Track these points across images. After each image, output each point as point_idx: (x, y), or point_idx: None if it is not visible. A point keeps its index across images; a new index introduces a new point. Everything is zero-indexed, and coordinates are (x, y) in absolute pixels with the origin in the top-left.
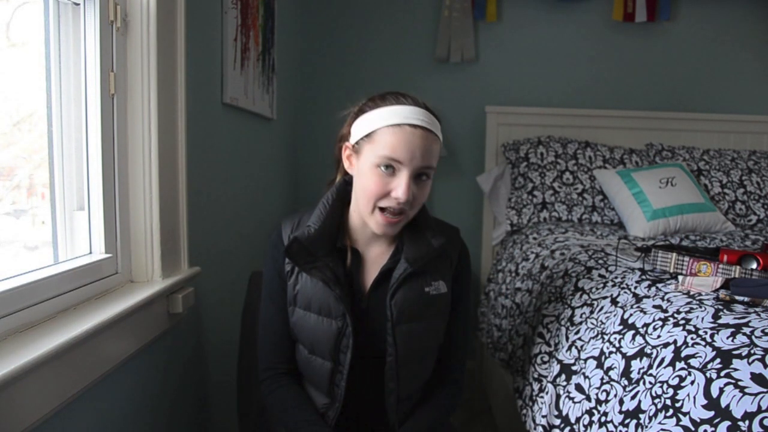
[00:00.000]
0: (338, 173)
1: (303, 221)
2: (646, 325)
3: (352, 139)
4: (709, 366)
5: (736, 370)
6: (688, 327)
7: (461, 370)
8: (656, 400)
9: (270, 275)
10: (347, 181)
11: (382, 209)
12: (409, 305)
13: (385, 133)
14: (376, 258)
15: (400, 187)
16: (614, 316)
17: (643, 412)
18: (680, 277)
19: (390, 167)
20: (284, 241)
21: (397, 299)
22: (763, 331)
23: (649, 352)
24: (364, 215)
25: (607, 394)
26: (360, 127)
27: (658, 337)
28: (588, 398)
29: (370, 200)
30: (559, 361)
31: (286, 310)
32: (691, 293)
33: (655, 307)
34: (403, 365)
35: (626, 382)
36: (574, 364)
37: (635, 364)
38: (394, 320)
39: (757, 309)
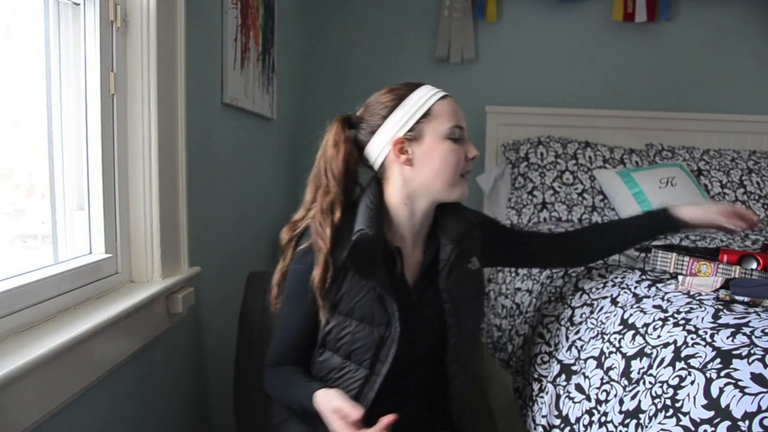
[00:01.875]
0: (339, 187)
1: (344, 225)
2: (646, 325)
3: (400, 132)
4: (709, 366)
5: (736, 370)
6: (688, 327)
7: None
8: (656, 400)
9: (298, 275)
10: (378, 181)
11: (462, 175)
12: (460, 284)
13: (441, 106)
14: (412, 252)
15: (472, 147)
16: (614, 316)
17: (643, 412)
18: (680, 277)
19: (459, 137)
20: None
21: (449, 281)
22: (763, 331)
23: (649, 352)
24: (444, 190)
25: (607, 394)
26: (404, 115)
27: (658, 337)
28: (588, 398)
29: (454, 171)
30: (559, 361)
31: (311, 309)
32: (691, 293)
33: (655, 307)
34: (464, 344)
35: (626, 382)
36: (574, 364)
37: (635, 364)
38: (454, 301)
39: (757, 309)
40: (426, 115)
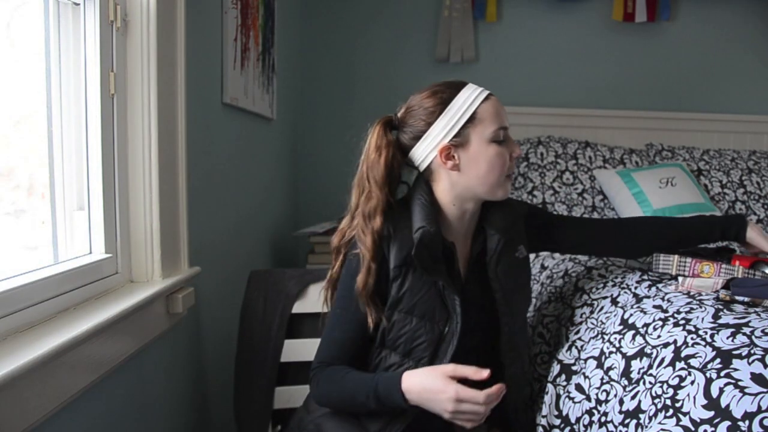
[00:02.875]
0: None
1: (397, 224)
2: (646, 325)
3: (446, 139)
4: (709, 366)
5: (736, 370)
6: (688, 327)
7: None
8: (656, 400)
9: (350, 284)
10: (426, 180)
11: (507, 176)
12: (508, 273)
13: (486, 109)
14: (462, 247)
15: (516, 146)
16: (614, 316)
17: (643, 412)
18: (680, 278)
19: (504, 138)
20: (382, 245)
21: (499, 270)
22: (763, 331)
23: (649, 352)
24: (491, 191)
25: (607, 394)
26: (449, 121)
27: (658, 337)
28: (588, 398)
29: (501, 173)
30: (559, 361)
31: (371, 317)
32: (691, 293)
33: (655, 307)
34: (517, 333)
35: (626, 382)
36: (574, 364)
37: (635, 364)
38: (504, 291)
39: (757, 309)
40: (471, 119)
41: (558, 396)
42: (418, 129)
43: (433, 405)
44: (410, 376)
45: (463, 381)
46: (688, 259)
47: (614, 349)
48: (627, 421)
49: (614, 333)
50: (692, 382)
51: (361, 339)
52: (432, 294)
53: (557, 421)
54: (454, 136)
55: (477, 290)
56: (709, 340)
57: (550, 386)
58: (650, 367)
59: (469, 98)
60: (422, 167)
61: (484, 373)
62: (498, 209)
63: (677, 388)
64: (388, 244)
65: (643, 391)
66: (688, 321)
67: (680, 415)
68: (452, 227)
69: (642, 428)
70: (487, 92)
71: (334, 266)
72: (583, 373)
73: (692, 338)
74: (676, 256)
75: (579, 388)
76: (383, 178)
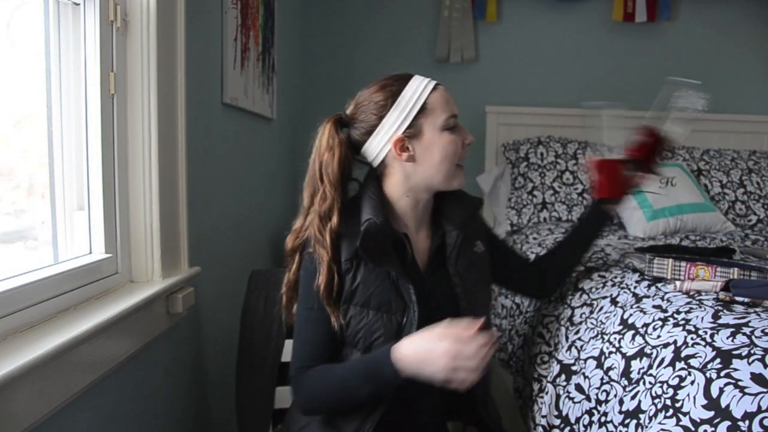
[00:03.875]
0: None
1: (349, 219)
2: (646, 325)
3: (399, 130)
4: (709, 366)
5: (736, 370)
6: (688, 327)
7: None
8: (656, 400)
9: (311, 285)
10: (376, 176)
11: (459, 165)
12: (468, 267)
13: (435, 99)
14: (422, 241)
15: (467, 133)
16: (614, 316)
17: (643, 412)
18: (678, 282)
19: (454, 126)
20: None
21: (459, 265)
22: (763, 331)
23: (649, 352)
24: (445, 180)
25: (607, 394)
26: (402, 113)
27: (658, 337)
28: (588, 398)
29: (452, 162)
30: (559, 362)
31: (337, 313)
32: (691, 293)
33: (654, 307)
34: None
35: (626, 382)
36: (574, 364)
37: (635, 364)
38: (464, 285)
39: (757, 309)
40: (422, 109)
41: (558, 396)
42: (370, 124)
43: (427, 368)
44: (400, 344)
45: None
46: (683, 263)
47: (614, 349)
48: (627, 421)
49: (614, 333)
50: (692, 382)
51: (333, 338)
52: (386, 285)
53: (557, 421)
54: (408, 128)
55: (438, 283)
56: (709, 340)
57: (549, 386)
58: (650, 367)
59: (418, 89)
60: (376, 162)
61: (477, 324)
62: (454, 204)
63: (677, 388)
64: (339, 239)
65: (643, 391)
66: (687, 321)
67: (680, 415)
68: (403, 219)
69: (642, 428)
70: (435, 82)
71: (291, 269)
72: (583, 373)
73: (692, 338)
74: (671, 260)
75: (579, 388)
76: (337, 178)
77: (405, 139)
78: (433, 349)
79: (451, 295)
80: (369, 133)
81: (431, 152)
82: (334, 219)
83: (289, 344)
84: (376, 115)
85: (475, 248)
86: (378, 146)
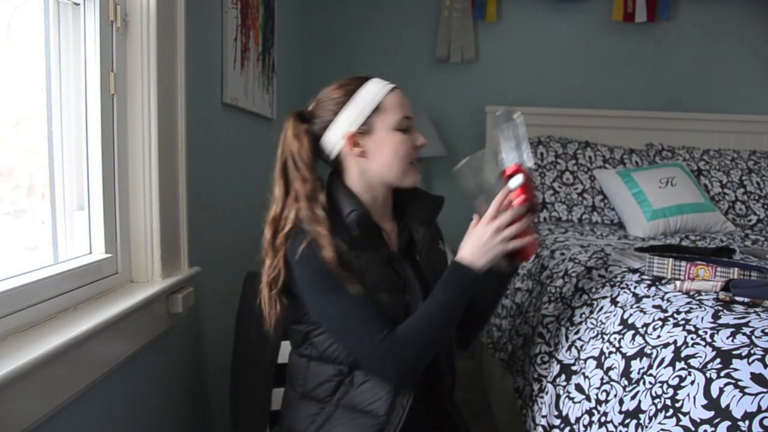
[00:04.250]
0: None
1: (332, 217)
2: (646, 325)
3: (352, 127)
4: (709, 366)
5: (736, 370)
6: (688, 327)
7: None
8: (656, 400)
9: (321, 269)
10: (336, 172)
11: (412, 162)
12: (435, 263)
13: (390, 99)
14: (390, 234)
15: (419, 135)
16: (614, 316)
17: (643, 412)
18: (678, 282)
19: (407, 127)
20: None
21: (428, 260)
22: (763, 331)
23: (649, 352)
24: (398, 178)
25: (607, 394)
26: (356, 110)
27: (658, 337)
28: (588, 398)
29: (404, 161)
30: (559, 362)
31: (359, 284)
32: (691, 293)
33: (654, 307)
34: None
35: (626, 382)
36: (574, 364)
37: (635, 364)
38: (435, 279)
39: (757, 309)
40: (377, 109)
41: (558, 396)
42: (327, 119)
43: (492, 251)
44: (460, 251)
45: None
46: (683, 263)
47: (614, 349)
48: (627, 421)
49: (614, 333)
50: (692, 382)
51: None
52: (384, 269)
53: (557, 421)
54: (361, 125)
55: (414, 271)
56: (709, 340)
57: (549, 386)
58: (650, 367)
59: (374, 89)
60: (332, 155)
61: (500, 198)
62: (416, 202)
63: (677, 388)
64: (329, 234)
65: (643, 391)
66: (687, 321)
67: (680, 415)
68: (370, 210)
69: (642, 428)
70: (392, 85)
71: (274, 264)
72: (583, 373)
73: (692, 338)
74: (671, 260)
75: (579, 388)
76: (312, 161)
77: (357, 136)
78: (483, 236)
79: (424, 287)
80: (326, 127)
81: (383, 149)
82: (322, 197)
83: (285, 346)
84: (333, 111)
85: (439, 246)
86: (333, 139)
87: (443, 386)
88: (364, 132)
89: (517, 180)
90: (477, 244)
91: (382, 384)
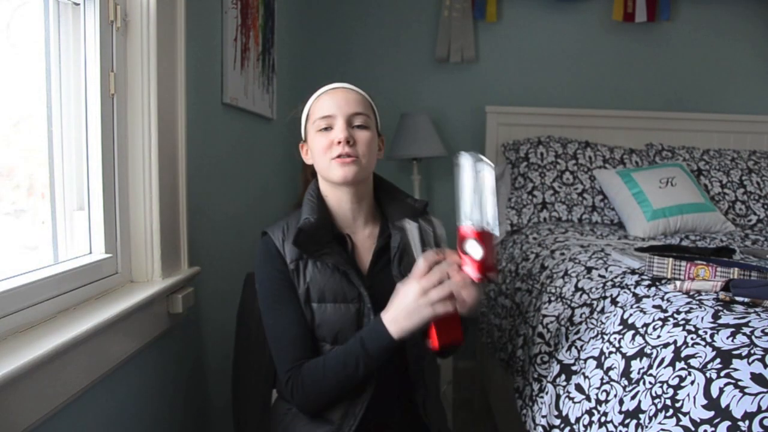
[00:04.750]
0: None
1: (291, 223)
2: (646, 325)
3: (302, 137)
4: (709, 366)
5: (736, 370)
6: (688, 327)
7: None
8: (656, 400)
9: (271, 280)
10: (315, 177)
11: (337, 158)
12: (409, 269)
13: (315, 105)
14: (364, 241)
15: (338, 130)
16: (614, 316)
17: (643, 412)
18: (678, 282)
19: (327, 126)
20: (277, 245)
21: (402, 266)
22: (763, 331)
23: (649, 352)
24: (326, 175)
25: (607, 394)
26: (302, 123)
27: (658, 337)
28: (588, 398)
29: (324, 157)
30: (559, 361)
31: (299, 306)
32: (691, 293)
33: (654, 307)
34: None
35: (626, 382)
36: (574, 364)
37: (635, 364)
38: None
39: (757, 309)
40: (308, 117)
41: (558, 396)
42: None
43: (414, 314)
44: (385, 310)
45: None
46: (683, 263)
47: (614, 349)
48: (627, 421)
49: (614, 333)
50: (692, 382)
51: (308, 327)
52: (336, 278)
53: (557, 421)
54: (303, 135)
55: (383, 283)
56: (709, 340)
57: (549, 386)
58: (650, 367)
59: (310, 100)
60: (307, 160)
61: (431, 258)
62: (395, 206)
63: (677, 388)
64: (282, 243)
65: (643, 391)
66: (687, 321)
67: (680, 415)
68: (341, 218)
69: (642, 428)
70: (326, 89)
71: None
72: (583, 373)
73: (692, 338)
74: (671, 260)
75: (579, 388)
76: (303, 166)
77: (303, 144)
78: (407, 296)
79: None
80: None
81: (313, 152)
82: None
83: None
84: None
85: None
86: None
87: (416, 396)
88: (306, 140)
89: (475, 250)
90: (400, 303)
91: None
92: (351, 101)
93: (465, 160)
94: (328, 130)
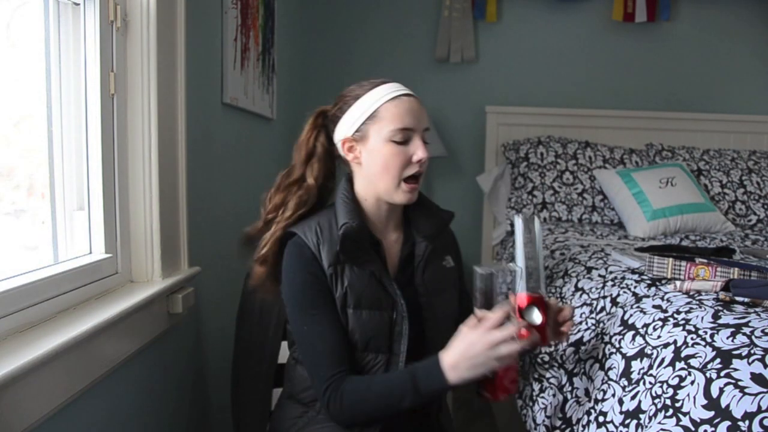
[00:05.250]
0: (314, 179)
1: (323, 224)
2: (646, 325)
3: (349, 132)
4: (709, 366)
5: (736, 370)
6: (688, 327)
7: None
8: (656, 400)
9: (305, 284)
10: (348, 176)
11: (406, 179)
12: (433, 279)
13: (389, 109)
14: (391, 246)
15: (419, 149)
16: (614, 316)
17: (643, 412)
18: (678, 282)
19: (404, 140)
20: (311, 248)
21: (425, 276)
22: (763, 331)
23: (649, 352)
24: (387, 192)
25: (604, 393)
26: (354, 116)
27: (658, 337)
28: (588, 398)
29: (395, 174)
30: (561, 364)
31: (336, 312)
32: (691, 293)
33: (654, 307)
34: (437, 335)
35: (626, 383)
36: (575, 367)
37: (635, 365)
38: (429, 295)
39: (757, 309)
40: (372, 116)
41: (565, 400)
42: (337, 117)
43: (480, 367)
44: (445, 352)
45: None
46: (683, 263)
47: (614, 350)
48: (627, 421)
49: (614, 334)
50: (692, 382)
51: (345, 334)
52: (372, 284)
53: (558, 422)
54: (356, 131)
55: (408, 290)
56: (709, 340)
57: (556, 391)
58: (650, 367)
59: (376, 95)
60: (339, 153)
61: (503, 312)
62: (424, 215)
63: (677, 388)
64: (318, 247)
65: (643, 391)
66: (687, 321)
67: (680, 415)
68: (373, 223)
69: (642, 428)
70: (399, 93)
71: (267, 242)
72: (584, 374)
73: (692, 338)
74: (671, 260)
75: (582, 389)
76: (305, 158)
77: (352, 141)
78: (474, 345)
79: (416, 303)
80: (335, 125)
81: (374, 159)
82: (308, 198)
83: (285, 346)
84: (342, 110)
85: (444, 262)
86: (336, 139)
87: (431, 407)
88: (358, 138)
89: (536, 317)
90: (465, 352)
91: None
92: (424, 114)
93: (518, 222)
94: (404, 144)
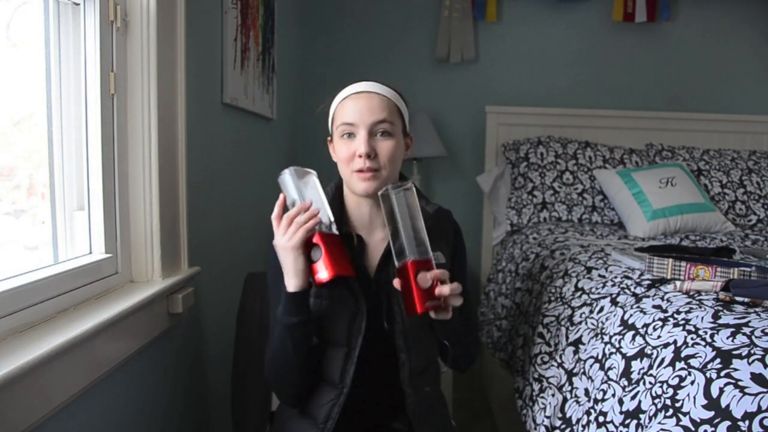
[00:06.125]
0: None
1: None
2: (646, 325)
3: (331, 136)
4: (709, 366)
5: (736, 370)
6: (688, 327)
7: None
8: (656, 400)
9: (276, 271)
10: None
11: (358, 171)
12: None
13: (339, 109)
14: (377, 243)
15: (361, 144)
16: (614, 316)
17: (643, 412)
18: (678, 282)
19: (349, 133)
20: None
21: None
22: (763, 331)
23: (649, 352)
24: (349, 184)
25: (604, 393)
26: (329, 119)
27: (658, 337)
28: (588, 398)
29: (346, 167)
30: (560, 364)
31: None
32: (691, 293)
33: (654, 307)
34: (410, 334)
35: (626, 383)
36: (574, 366)
37: (635, 365)
38: (399, 293)
39: (757, 309)
40: (333, 117)
41: (565, 400)
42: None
43: (286, 257)
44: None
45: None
46: (683, 263)
47: (614, 350)
48: (627, 421)
49: (614, 334)
50: (692, 382)
51: None
52: (341, 285)
53: (558, 422)
54: (330, 132)
55: (389, 284)
56: (709, 340)
57: (555, 390)
58: (650, 367)
59: (338, 98)
60: (333, 157)
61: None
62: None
63: (677, 388)
64: None
65: (643, 391)
66: (687, 321)
67: (680, 415)
68: (355, 218)
69: (642, 428)
70: (353, 92)
71: None
72: (584, 374)
73: (692, 338)
74: (671, 260)
75: (582, 389)
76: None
77: (330, 141)
78: (277, 248)
79: (393, 298)
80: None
81: (336, 155)
82: None
83: None
84: (327, 115)
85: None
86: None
87: (407, 405)
88: (331, 138)
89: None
90: (280, 256)
91: (325, 392)
92: (375, 108)
93: (390, 192)
94: (350, 137)
